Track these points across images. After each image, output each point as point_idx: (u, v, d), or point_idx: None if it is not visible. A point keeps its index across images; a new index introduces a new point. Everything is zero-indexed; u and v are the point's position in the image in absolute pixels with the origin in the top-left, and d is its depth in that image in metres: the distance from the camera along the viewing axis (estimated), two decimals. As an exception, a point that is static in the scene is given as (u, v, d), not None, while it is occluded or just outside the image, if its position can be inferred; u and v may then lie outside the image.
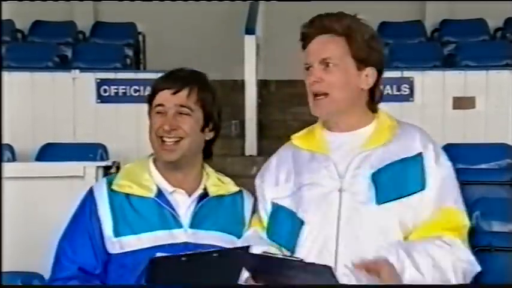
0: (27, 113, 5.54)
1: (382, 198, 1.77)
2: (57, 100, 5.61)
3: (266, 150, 5.84)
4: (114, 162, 4.42)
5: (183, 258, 1.63)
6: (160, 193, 1.89)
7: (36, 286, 1.83)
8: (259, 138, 5.86)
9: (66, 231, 1.92)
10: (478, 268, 1.80)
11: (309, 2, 6.76)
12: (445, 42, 6.98)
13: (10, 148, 5.12)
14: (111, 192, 1.90)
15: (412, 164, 1.80)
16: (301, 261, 1.65)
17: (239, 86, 6.10)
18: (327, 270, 1.57)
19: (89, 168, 3.63)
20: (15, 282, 2.88)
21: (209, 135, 1.93)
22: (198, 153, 1.94)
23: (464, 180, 4.63)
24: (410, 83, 5.61)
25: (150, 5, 7.50)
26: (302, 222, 1.79)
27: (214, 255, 1.67)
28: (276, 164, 1.92)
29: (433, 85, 5.63)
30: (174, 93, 1.87)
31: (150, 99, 1.92)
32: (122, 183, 1.90)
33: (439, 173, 1.81)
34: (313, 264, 1.66)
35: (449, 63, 6.35)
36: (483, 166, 5.02)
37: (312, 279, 1.60)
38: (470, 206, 4.10)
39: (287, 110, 6.42)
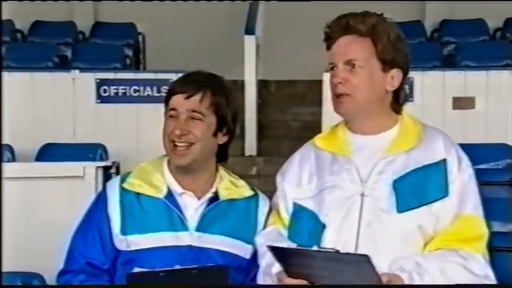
0: (27, 113, 5.54)
1: (403, 206, 1.75)
2: (57, 100, 5.61)
3: (266, 151, 5.85)
4: (113, 163, 4.43)
5: (161, 274, 1.64)
6: (170, 194, 1.89)
7: (36, 286, 1.83)
8: (259, 139, 5.87)
9: (79, 226, 1.94)
10: (494, 283, 1.78)
11: (308, 2, 6.76)
12: (445, 43, 6.98)
13: (10, 148, 5.12)
14: (123, 190, 1.91)
15: (435, 170, 1.79)
16: (337, 252, 1.64)
17: (239, 86, 6.10)
18: (364, 259, 1.56)
19: (89, 169, 3.64)
20: (15, 282, 2.89)
21: (223, 139, 1.92)
22: (211, 157, 1.93)
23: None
24: (410, 83, 5.60)
25: (149, 5, 7.50)
26: (324, 226, 1.78)
27: (193, 271, 1.67)
28: (298, 162, 1.90)
29: (433, 85, 5.63)
30: (187, 98, 1.87)
31: (166, 102, 1.92)
32: (133, 182, 1.91)
33: (460, 178, 1.80)
34: (349, 254, 1.67)
35: (449, 63, 6.35)
36: (483, 166, 5.01)
37: (348, 270, 1.59)
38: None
39: (287, 110, 6.43)
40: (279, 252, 1.66)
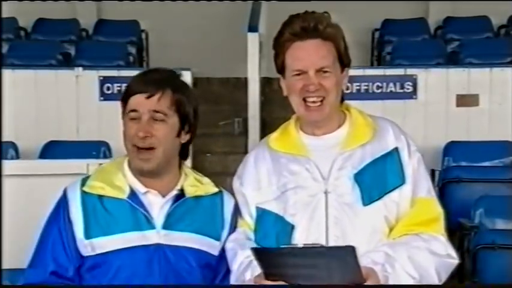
0: (31, 111, 5.55)
1: (367, 199, 1.79)
2: (60, 98, 5.61)
3: (269, 148, 5.84)
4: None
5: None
6: (133, 194, 1.85)
7: (36, 286, 1.83)
8: (262, 136, 5.82)
9: (42, 234, 1.90)
10: (456, 261, 1.84)
11: (311, 0, 6.75)
12: (449, 40, 6.97)
13: (14, 146, 5.13)
14: (84, 193, 1.86)
15: (390, 159, 1.83)
16: (322, 246, 1.66)
17: (242, 84, 6.10)
18: (350, 250, 1.58)
19: (92, 166, 3.61)
20: (18, 279, 2.89)
21: (185, 138, 1.88)
22: (174, 158, 1.88)
23: (468, 178, 4.64)
24: (414, 80, 5.60)
25: (152, 3, 7.50)
26: (292, 227, 1.80)
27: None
28: (254, 164, 1.90)
29: (437, 83, 5.62)
30: (148, 98, 1.81)
31: (123, 101, 1.86)
32: (94, 185, 1.86)
33: (411, 164, 1.84)
34: (334, 248, 1.69)
35: (452, 60, 6.34)
36: (486, 164, 5.01)
37: (333, 265, 1.60)
38: (473, 204, 4.12)
39: (290, 107, 6.41)
40: (261, 254, 1.65)
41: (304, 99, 1.82)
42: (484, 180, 4.54)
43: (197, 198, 1.89)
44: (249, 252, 1.72)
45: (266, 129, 6.05)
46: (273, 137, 1.92)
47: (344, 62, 1.85)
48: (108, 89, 5.66)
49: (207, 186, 1.93)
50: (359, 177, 1.80)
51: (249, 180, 1.88)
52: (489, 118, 5.52)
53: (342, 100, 1.90)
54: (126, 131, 1.85)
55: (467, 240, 3.89)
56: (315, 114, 1.83)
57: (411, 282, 1.73)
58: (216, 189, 1.94)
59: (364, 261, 1.70)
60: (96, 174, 1.91)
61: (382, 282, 1.70)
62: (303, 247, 1.67)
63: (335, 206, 1.79)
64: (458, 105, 5.57)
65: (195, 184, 1.91)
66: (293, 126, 1.90)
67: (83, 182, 1.89)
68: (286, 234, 1.79)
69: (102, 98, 5.66)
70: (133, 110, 1.83)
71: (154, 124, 1.82)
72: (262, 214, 1.85)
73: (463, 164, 5.06)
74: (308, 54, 1.81)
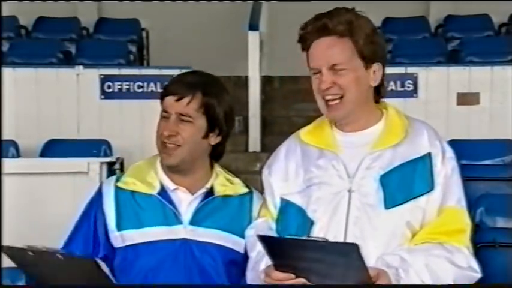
0: (32, 109, 5.55)
1: (390, 202, 1.76)
2: (61, 96, 5.61)
3: (270, 147, 5.84)
4: (117, 158, 4.43)
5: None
6: (163, 190, 1.92)
7: (36, 286, 1.87)
8: (262, 135, 5.86)
9: (76, 224, 1.98)
10: (479, 275, 1.79)
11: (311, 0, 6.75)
12: (450, 38, 6.96)
13: (14, 144, 5.13)
14: (118, 189, 1.94)
15: (421, 164, 1.79)
16: (326, 241, 1.65)
17: (243, 82, 6.10)
18: (354, 248, 1.56)
19: (93, 164, 3.64)
20: (19, 277, 2.89)
21: (215, 140, 1.94)
22: (202, 157, 1.95)
23: (469, 176, 4.63)
24: (414, 78, 5.60)
25: (153, 2, 7.50)
26: (312, 222, 1.79)
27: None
28: (284, 156, 1.90)
29: (437, 81, 5.62)
30: (177, 100, 1.89)
31: (161, 101, 1.95)
32: (127, 181, 1.95)
33: (444, 171, 1.80)
34: (338, 243, 1.67)
35: (453, 59, 6.33)
36: (487, 162, 5.01)
37: (337, 260, 1.59)
38: (474, 202, 4.11)
39: (291, 106, 6.42)
40: (267, 242, 1.65)
41: (324, 98, 1.82)
42: (485, 179, 4.53)
43: (226, 197, 1.95)
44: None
45: (267, 127, 6.05)
46: (306, 129, 1.92)
47: (367, 57, 1.80)
48: (109, 87, 5.66)
49: (237, 186, 1.98)
50: (385, 180, 1.77)
51: (277, 170, 1.89)
52: (490, 116, 5.52)
53: (380, 97, 1.87)
54: (157, 129, 1.93)
55: (468, 238, 3.88)
56: (334, 113, 1.82)
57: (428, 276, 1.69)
58: (246, 190, 1.99)
59: (378, 263, 1.69)
60: (130, 171, 2.00)
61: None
62: (305, 239, 1.67)
63: (357, 206, 1.76)
64: (459, 103, 5.57)
65: (225, 184, 1.97)
66: (327, 121, 1.89)
67: (118, 178, 1.98)
68: (306, 229, 1.78)
69: (102, 97, 5.66)
70: (164, 110, 1.92)
71: (181, 124, 1.89)
72: (285, 205, 1.85)
73: (464, 162, 5.03)
74: (321, 52, 1.81)
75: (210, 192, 1.94)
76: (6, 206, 2.81)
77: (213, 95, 1.91)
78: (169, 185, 1.93)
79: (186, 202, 1.92)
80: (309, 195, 1.81)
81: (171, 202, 1.91)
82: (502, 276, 3.40)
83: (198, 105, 1.89)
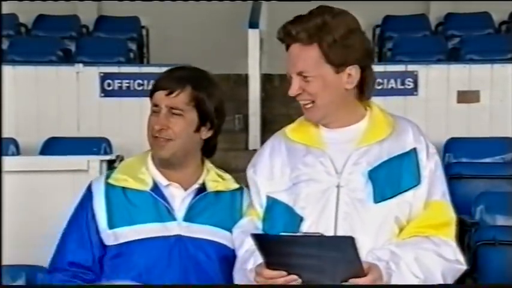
0: (31, 107, 5.55)
1: (379, 196, 1.78)
2: (61, 94, 5.61)
3: (270, 144, 5.84)
4: (117, 156, 4.42)
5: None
6: (155, 187, 1.91)
7: (36, 286, 1.86)
8: (262, 133, 5.85)
9: (66, 225, 1.96)
10: (464, 267, 1.82)
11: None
12: (450, 36, 6.96)
13: (14, 142, 5.13)
14: (108, 186, 1.92)
15: (407, 159, 1.81)
16: (321, 235, 1.65)
17: (243, 80, 6.10)
18: (349, 241, 1.57)
19: (93, 162, 3.63)
20: (20, 275, 2.90)
21: (206, 134, 1.92)
22: (194, 152, 1.94)
23: (469, 174, 4.63)
24: (415, 76, 5.60)
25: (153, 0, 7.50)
26: (301, 219, 1.79)
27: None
28: (269, 154, 1.90)
29: (438, 79, 5.61)
30: (167, 95, 1.88)
31: (151, 97, 1.94)
32: (118, 177, 1.93)
33: (429, 165, 1.82)
34: (333, 237, 1.68)
35: (453, 57, 6.33)
36: (487, 160, 5.01)
37: (331, 255, 1.60)
38: (474, 200, 4.11)
39: (290, 104, 6.36)
40: (261, 240, 1.65)
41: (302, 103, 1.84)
42: (485, 177, 4.53)
43: (218, 193, 1.94)
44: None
45: (267, 125, 6.05)
46: (291, 127, 1.92)
47: (336, 62, 1.77)
48: (109, 85, 5.66)
49: (228, 182, 1.97)
50: (373, 174, 1.78)
51: (262, 169, 1.89)
52: (490, 114, 5.52)
53: (363, 94, 1.85)
54: (148, 122, 1.92)
55: (467, 236, 3.89)
56: (310, 115, 1.84)
57: (415, 282, 1.72)
58: (236, 186, 1.98)
59: (369, 257, 1.70)
60: (121, 168, 1.98)
61: (385, 279, 1.68)
62: (302, 235, 1.67)
63: (346, 201, 1.78)
64: (459, 101, 5.56)
65: (216, 179, 1.96)
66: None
67: (108, 175, 1.95)
68: (294, 226, 1.78)
69: (102, 95, 5.66)
70: (155, 105, 1.91)
71: (171, 118, 1.88)
72: (272, 204, 1.85)
73: (464, 160, 5.05)
74: (289, 58, 1.82)
75: (202, 188, 1.93)
76: (6, 204, 2.81)
77: (203, 89, 1.90)
78: (162, 180, 1.91)
79: (179, 198, 1.90)
80: (297, 192, 1.81)
81: (164, 198, 1.89)
82: (502, 274, 3.40)
83: (188, 98, 1.88)
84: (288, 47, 1.84)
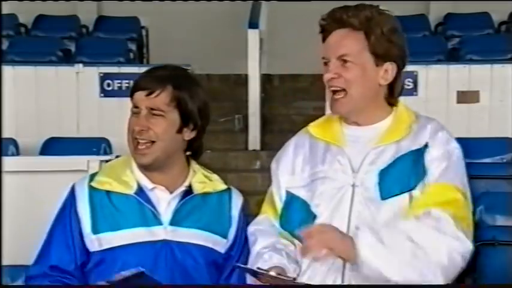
0: (31, 107, 5.55)
1: (386, 193, 1.77)
2: (60, 94, 5.61)
3: (269, 145, 5.84)
4: (117, 156, 4.42)
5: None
6: (140, 190, 1.85)
7: (35, 286, 1.83)
8: (262, 133, 5.86)
9: (49, 229, 1.91)
10: (469, 245, 1.80)
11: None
12: (449, 36, 6.95)
13: (14, 142, 5.13)
14: (92, 189, 1.87)
15: (417, 155, 1.80)
16: (294, 279, 1.67)
17: (242, 81, 6.10)
18: None
19: (93, 162, 3.63)
20: (20, 275, 2.89)
21: (189, 135, 1.87)
22: (177, 154, 1.88)
23: (468, 174, 4.63)
24: (414, 77, 5.59)
25: (153, 0, 7.49)
26: (315, 216, 1.80)
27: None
28: (293, 150, 1.91)
29: (437, 79, 5.61)
30: (147, 95, 1.83)
31: (131, 97, 1.89)
32: (101, 180, 1.87)
33: (442, 160, 1.80)
34: (304, 285, 1.68)
35: (453, 57, 6.33)
36: (487, 160, 5.01)
37: None
38: (474, 201, 4.11)
39: (290, 104, 6.42)
40: (245, 271, 1.68)
41: (332, 91, 1.82)
42: (485, 177, 4.53)
43: (205, 195, 1.90)
44: (267, 243, 1.77)
45: (266, 126, 6.05)
46: (315, 123, 1.93)
47: (379, 54, 1.79)
48: (109, 85, 5.66)
49: (216, 183, 1.93)
50: (384, 172, 1.78)
51: (284, 163, 1.89)
52: (490, 115, 5.52)
53: (392, 96, 1.85)
54: (128, 125, 1.87)
55: (467, 236, 3.88)
56: (338, 108, 1.83)
57: (408, 244, 1.68)
58: (224, 186, 1.94)
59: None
60: (104, 170, 1.93)
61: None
62: (275, 276, 1.66)
63: (360, 200, 1.78)
64: (458, 101, 5.56)
65: (203, 181, 1.91)
66: (336, 116, 1.89)
67: (91, 178, 1.90)
68: (308, 223, 1.79)
69: (102, 95, 5.66)
70: (135, 106, 1.86)
71: (152, 119, 1.83)
72: (291, 199, 1.86)
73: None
74: (333, 42, 1.81)
75: (189, 191, 1.88)
76: (6, 204, 2.81)
77: (184, 89, 1.85)
78: (147, 184, 1.86)
79: (164, 201, 1.85)
80: (313, 189, 1.82)
81: (149, 202, 1.84)
82: (501, 274, 3.40)
83: (168, 98, 1.82)
84: (327, 35, 1.83)
